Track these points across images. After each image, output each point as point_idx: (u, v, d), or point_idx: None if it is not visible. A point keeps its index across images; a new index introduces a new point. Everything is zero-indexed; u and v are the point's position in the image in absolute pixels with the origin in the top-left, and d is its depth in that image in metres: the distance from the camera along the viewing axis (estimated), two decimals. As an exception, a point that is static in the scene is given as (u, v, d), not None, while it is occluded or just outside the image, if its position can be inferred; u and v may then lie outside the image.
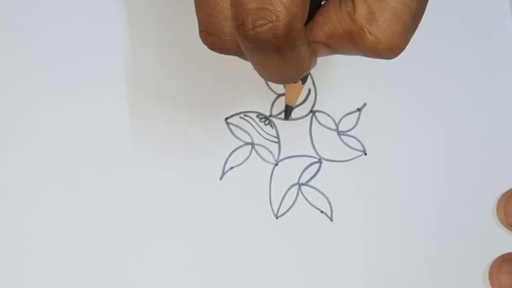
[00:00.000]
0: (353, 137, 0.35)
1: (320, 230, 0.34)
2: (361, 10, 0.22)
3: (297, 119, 0.35)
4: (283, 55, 0.22)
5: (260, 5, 0.20)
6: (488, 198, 0.35)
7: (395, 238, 0.34)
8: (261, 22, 0.20)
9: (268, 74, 0.24)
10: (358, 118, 0.36)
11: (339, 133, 0.35)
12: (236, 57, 0.24)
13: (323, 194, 0.35)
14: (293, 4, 0.20)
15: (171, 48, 0.35)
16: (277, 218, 0.34)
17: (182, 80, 0.35)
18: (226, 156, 0.35)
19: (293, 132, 0.35)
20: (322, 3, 0.24)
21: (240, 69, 0.35)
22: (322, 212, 0.35)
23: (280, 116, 0.35)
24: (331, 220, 0.35)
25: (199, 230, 0.34)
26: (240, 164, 0.35)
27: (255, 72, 0.35)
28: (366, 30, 0.22)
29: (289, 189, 0.35)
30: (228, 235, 0.34)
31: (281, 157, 0.35)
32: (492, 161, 0.35)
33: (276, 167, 0.35)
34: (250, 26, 0.21)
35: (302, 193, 0.35)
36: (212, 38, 0.23)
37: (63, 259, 0.33)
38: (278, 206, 0.34)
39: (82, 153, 0.34)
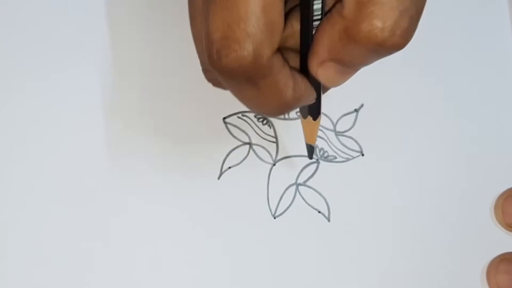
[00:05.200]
0: (350, 137, 0.35)
1: (318, 230, 0.34)
2: (349, 4, 0.20)
3: (295, 119, 0.35)
4: (256, 85, 0.21)
5: (223, 34, 0.20)
6: (485, 198, 0.35)
7: (392, 238, 0.34)
8: (226, 51, 0.20)
9: (249, 105, 0.23)
10: (356, 119, 0.36)
11: (337, 133, 0.35)
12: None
13: (320, 194, 0.35)
14: (258, 30, 0.20)
15: (169, 48, 0.35)
16: (275, 218, 0.34)
17: (180, 79, 0.35)
18: (224, 155, 0.35)
19: (290, 132, 0.35)
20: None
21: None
22: (319, 212, 0.35)
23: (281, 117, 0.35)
24: (329, 220, 0.35)
25: (197, 230, 0.34)
26: (238, 164, 0.35)
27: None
28: (358, 20, 0.20)
29: (287, 189, 0.35)
30: (226, 234, 0.34)
31: (278, 157, 0.35)
32: (489, 161, 0.35)
33: (274, 167, 0.35)
34: (215, 56, 0.20)
35: (299, 193, 0.35)
36: (210, 74, 0.23)
37: (66, 259, 0.33)
38: (276, 206, 0.34)
39: (80, 154, 0.34)
